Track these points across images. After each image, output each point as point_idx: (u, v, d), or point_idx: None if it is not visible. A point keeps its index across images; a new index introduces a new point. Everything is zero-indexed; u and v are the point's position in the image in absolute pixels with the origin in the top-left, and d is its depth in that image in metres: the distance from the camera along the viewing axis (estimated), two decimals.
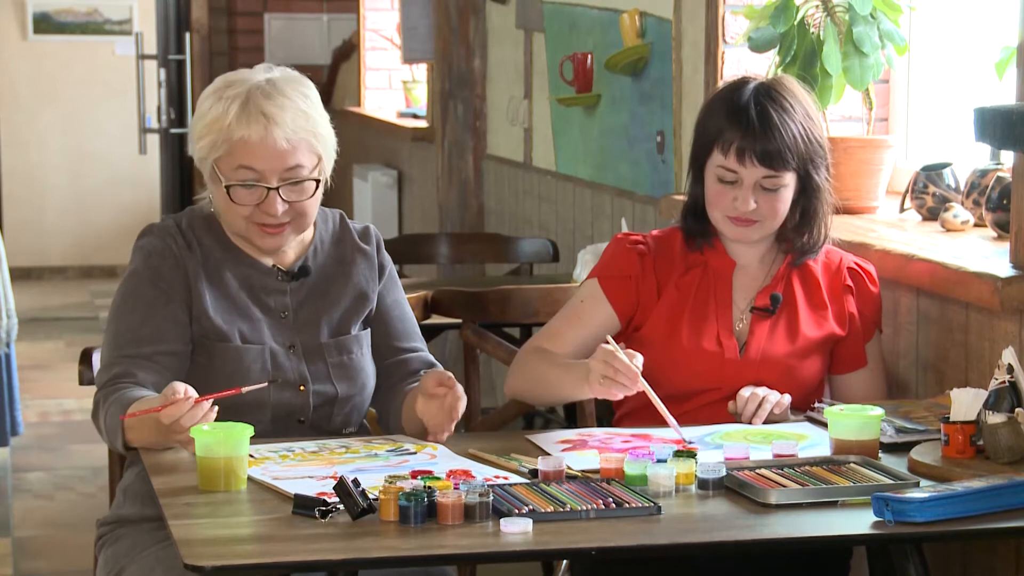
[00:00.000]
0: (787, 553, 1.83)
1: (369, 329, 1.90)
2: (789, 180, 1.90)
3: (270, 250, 1.84)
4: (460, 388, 1.74)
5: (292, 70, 1.84)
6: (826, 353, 1.99)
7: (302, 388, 1.84)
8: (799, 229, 1.94)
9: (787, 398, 1.88)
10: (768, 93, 1.90)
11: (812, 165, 1.91)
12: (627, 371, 1.75)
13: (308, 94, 1.81)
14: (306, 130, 1.78)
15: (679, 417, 1.85)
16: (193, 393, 1.64)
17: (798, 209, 1.93)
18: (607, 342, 1.79)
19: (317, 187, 1.81)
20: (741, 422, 1.86)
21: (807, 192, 1.92)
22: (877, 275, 2.03)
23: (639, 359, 1.77)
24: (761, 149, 1.87)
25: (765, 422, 1.86)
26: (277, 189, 1.77)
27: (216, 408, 1.65)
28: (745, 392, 1.87)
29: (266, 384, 1.73)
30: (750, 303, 1.96)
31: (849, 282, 1.99)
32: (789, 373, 1.93)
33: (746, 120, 1.88)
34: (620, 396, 1.78)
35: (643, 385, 1.76)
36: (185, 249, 1.82)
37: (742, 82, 1.94)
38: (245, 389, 1.69)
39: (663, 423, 1.81)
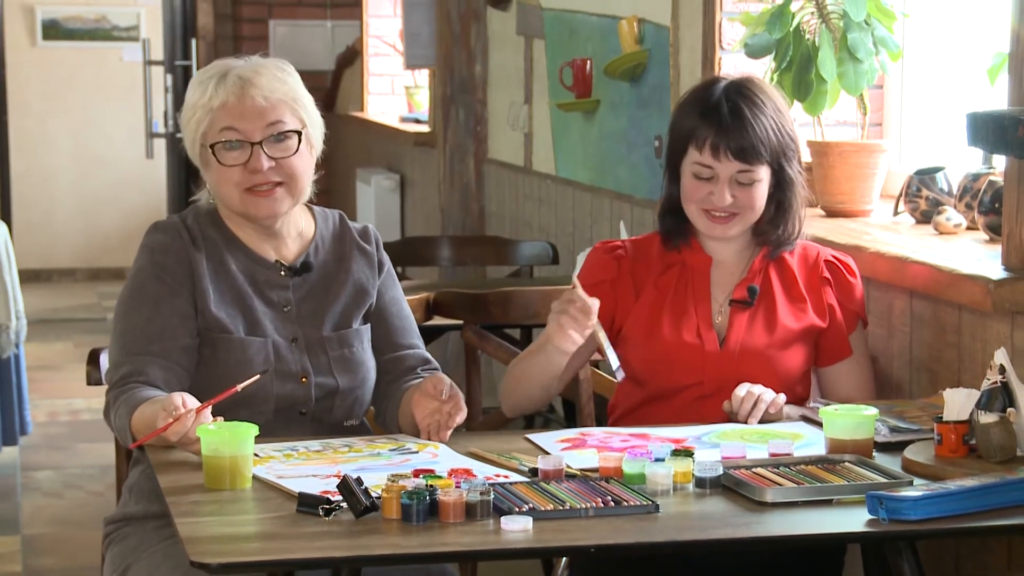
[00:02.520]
0: (783, 550, 1.85)
1: (369, 324, 1.93)
2: (763, 174, 1.93)
3: (267, 217, 1.85)
4: (461, 399, 1.77)
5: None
6: (808, 344, 2.00)
7: (304, 380, 1.86)
8: (774, 222, 1.97)
9: (782, 397, 1.90)
10: (739, 90, 1.93)
11: (785, 158, 1.94)
12: (582, 305, 1.78)
13: (286, 69, 1.86)
14: (283, 92, 1.83)
15: (665, 417, 1.87)
16: (192, 402, 1.66)
17: (773, 202, 1.96)
18: (573, 286, 1.82)
19: (300, 143, 1.83)
20: (736, 421, 1.89)
21: (781, 185, 1.96)
22: (857, 269, 2.04)
23: (596, 303, 1.80)
24: (735, 144, 1.90)
25: (760, 422, 1.88)
26: (260, 144, 1.81)
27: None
28: (740, 391, 1.89)
29: (259, 376, 1.75)
30: (728, 296, 1.98)
31: (827, 274, 2.01)
32: (769, 364, 1.95)
33: (718, 116, 1.91)
34: (574, 335, 1.80)
35: (595, 323, 1.78)
36: (190, 244, 1.85)
37: (712, 81, 1.97)
38: (240, 386, 1.71)
39: (658, 424, 1.84)
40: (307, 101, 1.86)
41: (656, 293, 1.98)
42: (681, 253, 2.00)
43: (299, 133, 1.83)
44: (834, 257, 2.04)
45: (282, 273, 1.89)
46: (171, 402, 1.65)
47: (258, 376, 1.75)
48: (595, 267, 2.01)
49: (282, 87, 1.83)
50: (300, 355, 1.87)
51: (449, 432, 1.78)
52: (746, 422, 1.88)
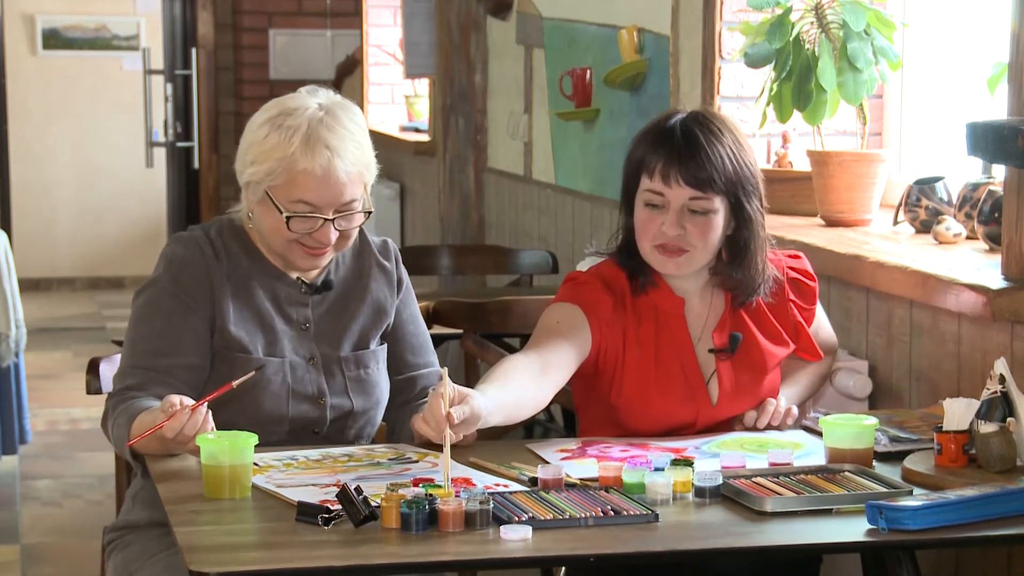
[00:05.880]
0: (765, 559, 1.83)
1: (386, 345, 1.93)
2: (718, 205, 1.83)
3: (309, 269, 1.87)
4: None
5: (335, 93, 1.86)
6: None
7: (321, 401, 1.87)
8: (733, 264, 1.86)
9: (795, 408, 1.89)
10: (695, 119, 1.85)
11: (743, 192, 1.84)
12: (433, 422, 1.62)
13: (360, 122, 1.84)
14: (361, 162, 1.82)
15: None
16: (188, 401, 1.66)
17: (731, 244, 1.86)
18: (440, 378, 1.65)
19: (365, 217, 1.85)
20: (749, 428, 1.89)
21: (739, 223, 1.85)
22: (811, 267, 1.97)
23: (466, 408, 1.63)
24: (687, 170, 1.81)
25: (767, 429, 1.88)
26: (332, 220, 1.81)
27: (208, 412, 1.67)
28: (751, 411, 1.89)
29: (252, 373, 1.75)
30: (705, 342, 1.90)
31: (792, 296, 1.95)
32: (758, 399, 1.92)
33: (671, 142, 1.83)
34: (429, 436, 1.66)
35: (445, 440, 1.60)
36: (213, 259, 1.84)
37: (671, 112, 1.89)
38: (236, 383, 1.71)
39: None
40: (371, 155, 1.83)
41: (640, 353, 1.87)
42: (650, 296, 1.89)
43: (367, 213, 1.83)
44: (791, 268, 1.96)
45: (302, 291, 1.88)
46: (168, 401, 1.67)
47: (252, 373, 1.75)
48: (598, 301, 1.87)
49: (360, 155, 1.81)
50: (317, 375, 1.87)
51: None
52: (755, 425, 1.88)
